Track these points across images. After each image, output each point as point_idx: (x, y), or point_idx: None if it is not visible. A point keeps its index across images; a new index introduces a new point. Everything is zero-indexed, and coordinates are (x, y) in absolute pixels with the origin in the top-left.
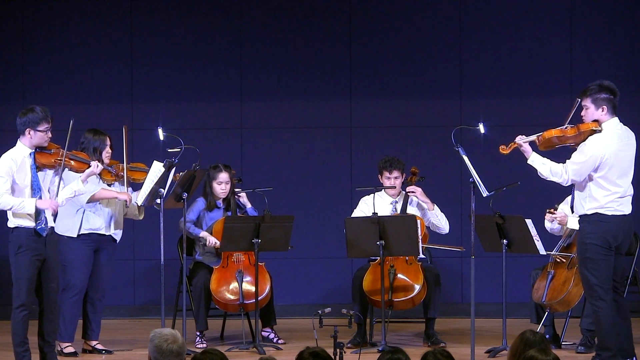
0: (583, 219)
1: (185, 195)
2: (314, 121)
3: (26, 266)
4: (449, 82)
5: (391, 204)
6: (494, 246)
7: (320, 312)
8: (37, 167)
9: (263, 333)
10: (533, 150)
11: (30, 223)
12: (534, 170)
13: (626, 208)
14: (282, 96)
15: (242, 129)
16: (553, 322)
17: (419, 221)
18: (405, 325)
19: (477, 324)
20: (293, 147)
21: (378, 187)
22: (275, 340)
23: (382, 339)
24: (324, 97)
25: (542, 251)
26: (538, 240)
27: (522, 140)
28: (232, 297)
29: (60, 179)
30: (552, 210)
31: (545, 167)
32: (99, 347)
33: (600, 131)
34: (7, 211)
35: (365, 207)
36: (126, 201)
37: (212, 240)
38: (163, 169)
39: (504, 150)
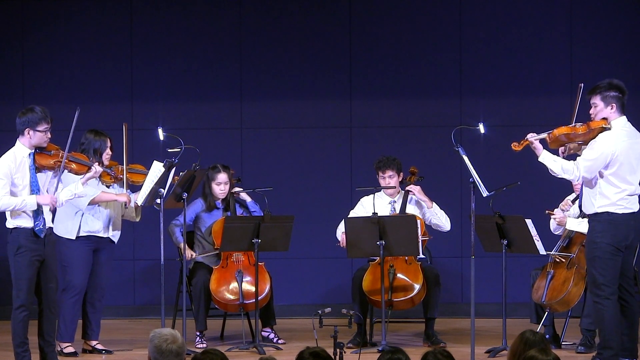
0: (593, 217)
1: (185, 195)
2: (314, 121)
3: (26, 266)
4: (449, 82)
5: (390, 203)
6: (494, 246)
7: (320, 312)
8: (37, 168)
9: (263, 333)
10: (543, 148)
11: (28, 223)
12: (534, 171)
13: (635, 206)
14: (282, 96)
15: (242, 129)
16: (553, 322)
17: (418, 221)
18: (405, 325)
19: (477, 324)
20: (293, 147)
21: (378, 187)
22: (275, 340)
23: (382, 339)
24: (324, 97)
25: (542, 251)
26: (538, 240)
27: (533, 137)
28: (232, 297)
29: (59, 180)
30: (551, 212)
31: (556, 165)
32: (99, 347)
33: (609, 129)
34: (6, 212)
35: (361, 210)
36: (125, 203)
37: (188, 254)
38: (163, 169)
39: (516, 147)
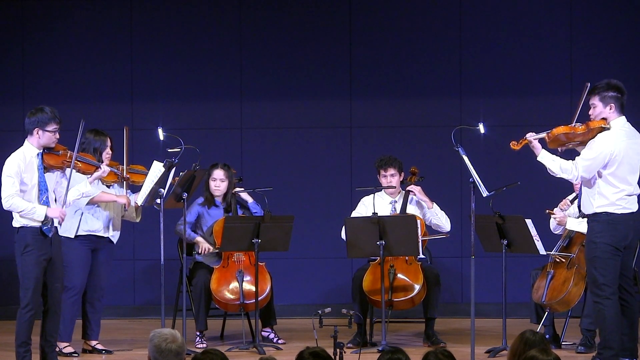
0: (592, 218)
1: (185, 195)
2: (314, 121)
3: (33, 266)
4: (449, 82)
5: (390, 203)
6: (494, 246)
7: (320, 312)
8: (45, 168)
9: (263, 333)
10: (542, 148)
11: (35, 223)
12: (534, 170)
13: (634, 205)
14: (282, 96)
15: (242, 129)
16: (553, 322)
17: (418, 221)
18: (405, 325)
19: (477, 324)
20: (293, 147)
21: (378, 187)
22: (275, 340)
23: (382, 339)
24: (324, 97)
25: (542, 251)
26: (538, 240)
27: (532, 137)
28: (232, 297)
29: (68, 181)
30: (551, 211)
31: (555, 164)
32: (99, 347)
33: (609, 129)
34: (13, 212)
35: (363, 209)
36: (125, 205)
37: (205, 247)
38: (163, 169)
39: (515, 146)
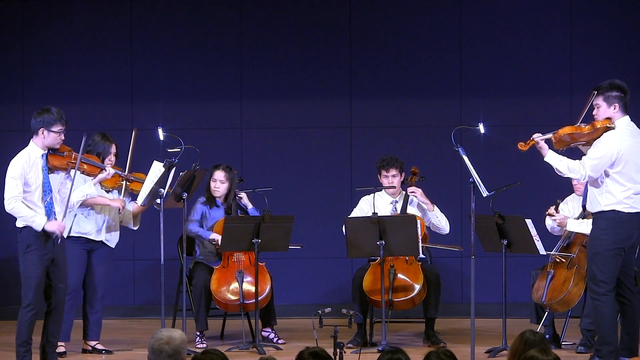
0: (598, 215)
1: (185, 195)
2: (314, 121)
3: (35, 265)
4: (449, 82)
5: (391, 203)
6: (494, 246)
7: (320, 312)
8: (49, 168)
9: (263, 333)
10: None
11: None
12: (534, 171)
13: (639, 205)
14: (282, 96)
15: (242, 129)
16: (553, 322)
17: (419, 221)
18: (405, 325)
19: (477, 324)
20: (293, 147)
21: (378, 187)
22: (275, 340)
23: (382, 339)
24: (324, 97)
25: (542, 251)
26: (538, 240)
27: (538, 137)
28: (232, 297)
29: (72, 182)
30: (552, 212)
31: (562, 164)
32: (99, 347)
33: (614, 128)
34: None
35: (365, 206)
36: (119, 209)
37: (216, 236)
38: (163, 169)
39: (522, 147)
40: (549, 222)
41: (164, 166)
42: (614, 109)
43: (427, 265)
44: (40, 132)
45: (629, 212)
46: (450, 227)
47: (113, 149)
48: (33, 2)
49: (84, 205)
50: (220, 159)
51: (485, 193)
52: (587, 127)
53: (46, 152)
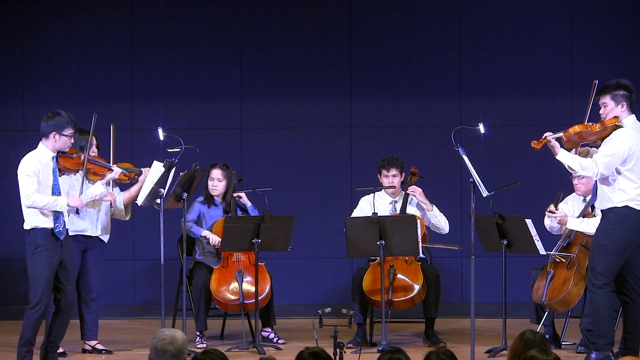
0: (610, 210)
1: (185, 195)
2: (314, 121)
3: (43, 266)
4: (449, 82)
5: (391, 203)
6: (494, 246)
7: (320, 312)
8: (60, 170)
9: (263, 333)
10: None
11: (46, 224)
12: (534, 171)
13: None
14: (282, 96)
15: (242, 129)
16: (553, 322)
17: (418, 221)
18: (405, 325)
19: (477, 324)
20: (293, 147)
21: (378, 187)
22: (275, 340)
23: (382, 339)
24: (324, 97)
25: (542, 251)
26: (538, 240)
27: (550, 136)
28: (232, 297)
29: (82, 184)
30: (552, 209)
31: (574, 162)
32: (99, 347)
33: (622, 126)
34: (25, 213)
35: (365, 206)
36: (110, 202)
37: (215, 239)
38: (163, 169)
39: (536, 145)
40: (547, 222)
41: (164, 166)
42: (622, 107)
43: (426, 265)
44: (51, 135)
45: (639, 210)
46: (450, 227)
47: (94, 141)
48: (33, 2)
49: None
50: (220, 159)
51: (485, 193)
52: (597, 125)
53: (56, 154)
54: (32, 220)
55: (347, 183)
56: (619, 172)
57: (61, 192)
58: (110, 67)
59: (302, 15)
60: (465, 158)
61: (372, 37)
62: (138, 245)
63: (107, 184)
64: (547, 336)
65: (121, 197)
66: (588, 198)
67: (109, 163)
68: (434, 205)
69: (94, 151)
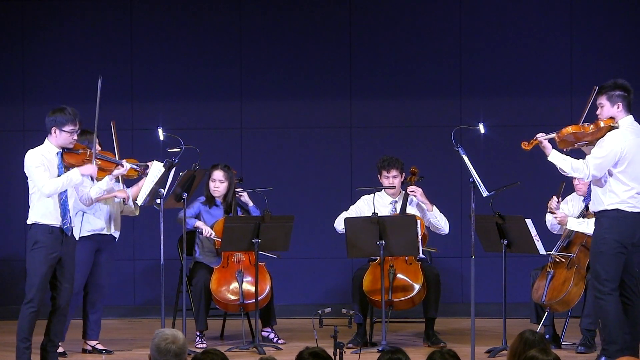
0: (602, 214)
1: (185, 195)
2: (314, 121)
3: (40, 263)
4: (449, 82)
5: (391, 203)
6: (494, 246)
7: (320, 312)
8: (65, 167)
9: (263, 333)
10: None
11: (48, 220)
12: (533, 171)
13: None
14: (282, 96)
15: (242, 129)
16: (553, 322)
17: (418, 221)
18: (405, 325)
19: (477, 324)
20: (293, 147)
21: (378, 187)
22: (275, 340)
23: (382, 339)
24: (324, 97)
25: (542, 251)
26: (538, 240)
27: (542, 137)
28: (232, 297)
29: (92, 179)
30: (552, 205)
31: (565, 163)
32: (99, 347)
33: (617, 127)
34: (30, 208)
35: (363, 206)
36: (124, 199)
37: (208, 230)
38: (163, 169)
39: (526, 146)
40: (549, 219)
41: (164, 166)
42: (618, 108)
43: (427, 265)
44: (52, 131)
45: (632, 212)
46: (450, 227)
47: (97, 140)
48: (33, 2)
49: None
50: (220, 159)
51: (485, 193)
52: (590, 126)
53: (61, 150)
54: (35, 215)
55: (347, 183)
56: (610, 174)
57: (67, 188)
58: (110, 67)
59: (302, 15)
60: (465, 158)
61: (372, 37)
62: (138, 245)
63: (117, 179)
64: (547, 336)
65: (129, 192)
66: None
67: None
68: (434, 206)
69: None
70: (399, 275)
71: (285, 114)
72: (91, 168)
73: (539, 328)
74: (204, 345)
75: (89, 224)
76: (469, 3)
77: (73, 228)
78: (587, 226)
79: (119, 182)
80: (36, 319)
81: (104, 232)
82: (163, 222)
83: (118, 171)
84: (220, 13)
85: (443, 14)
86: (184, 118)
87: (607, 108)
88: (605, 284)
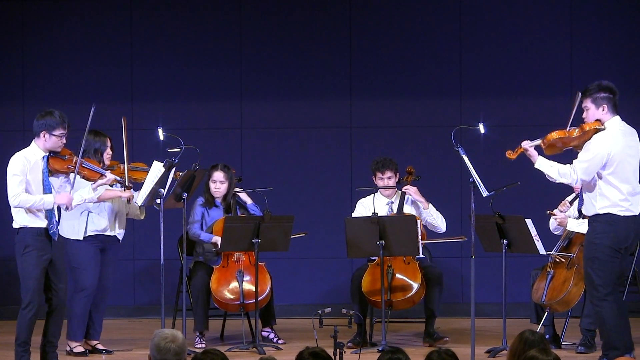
0: (594, 218)
1: (185, 195)
2: (314, 121)
3: (33, 266)
4: (449, 82)
5: (387, 204)
6: (494, 246)
7: (320, 312)
8: (50, 171)
9: (263, 333)
10: (539, 155)
11: (35, 223)
12: (534, 171)
13: (636, 208)
14: (282, 96)
15: (242, 129)
16: (553, 322)
17: (418, 221)
18: (405, 325)
19: (477, 324)
20: (293, 147)
21: (378, 187)
22: (275, 340)
23: (382, 339)
24: (324, 97)
25: (542, 251)
26: (538, 240)
27: (527, 144)
28: (232, 297)
29: (72, 186)
30: (552, 212)
31: (552, 170)
32: (100, 347)
33: (603, 129)
34: (13, 212)
35: (362, 210)
36: (129, 199)
37: (217, 239)
38: (163, 169)
39: (511, 155)
40: (553, 223)
41: (164, 166)
42: (603, 110)
43: (429, 264)
44: (41, 134)
45: (624, 215)
46: (450, 227)
47: (108, 143)
48: (33, 2)
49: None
50: (220, 159)
51: (485, 193)
52: (576, 130)
53: (47, 154)
54: (22, 219)
55: (347, 183)
56: (600, 177)
57: (52, 191)
58: (110, 67)
59: (302, 15)
60: (465, 158)
61: (372, 37)
62: (138, 245)
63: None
64: (547, 336)
65: (136, 196)
66: None
67: (123, 160)
68: (430, 204)
69: (108, 153)
70: (398, 275)
71: (285, 114)
72: (66, 198)
73: (539, 328)
74: (204, 345)
75: (93, 223)
76: (469, 3)
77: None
78: (587, 227)
79: (122, 186)
80: (35, 322)
81: (108, 232)
82: (163, 222)
83: (101, 181)
84: (220, 13)
85: (443, 14)
86: (184, 118)
87: (593, 111)
88: (599, 289)
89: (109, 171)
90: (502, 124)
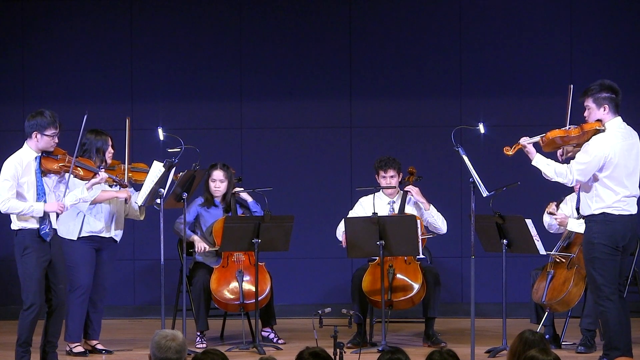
0: (590, 218)
1: (185, 195)
2: (314, 121)
3: (33, 267)
4: (449, 82)
5: (389, 204)
6: (494, 246)
7: (320, 312)
8: (42, 172)
9: (263, 333)
10: (537, 152)
11: (34, 225)
12: (534, 170)
13: (633, 208)
14: (282, 96)
15: (242, 129)
16: (553, 322)
17: (418, 221)
18: (405, 325)
19: (477, 324)
20: (293, 147)
21: (378, 187)
22: (275, 340)
23: (382, 339)
24: (324, 97)
25: (542, 251)
26: (538, 240)
27: (526, 141)
28: (232, 296)
29: (67, 186)
30: (552, 210)
31: (549, 168)
32: (99, 347)
33: (604, 131)
34: (11, 214)
35: (360, 210)
36: (125, 199)
37: (201, 246)
38: (163, 169)
39: (508, 151)
40: (546, 219)
41: (164, 166)
42: (604, 110)
43: (426, 265)
44: (33, 135)
45: (620, 214)
46: (450, 227)
47: (110, 142)
48: (33, 2)
49: (92, 202)
50: (220, 159)
51: (485, 193)
52: (575, 129)
53: (40, 154)
54: (20, 221)
55: (347, 183)
56: (596, 179)
57: (46, 192)
58: (110, 67)
59: (302, 15)
60: (465, 158)
61: (372, 37)
62: (138, 245)
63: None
64: (547, 336)
65: (136, 197)
66: None
67: (124, 160)
68: (432, 205)
69: (110, 152)
70: (398, 275)
71: (285, 114)
72: (56, 205)
73: (539, 328)
74: (204, 345)
75: (89, 225)
76: (469, 3)
77: (56, 229)
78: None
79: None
80: (36, 323)
81: (103, 234)
82: (163, 222)
83: (95, 180)
84: (220, 13)
85: (443, 14)
86: (184, 118)
87: (594, 111)
88: (603, 288)
89: (103, 170)
90: (502, 124)
